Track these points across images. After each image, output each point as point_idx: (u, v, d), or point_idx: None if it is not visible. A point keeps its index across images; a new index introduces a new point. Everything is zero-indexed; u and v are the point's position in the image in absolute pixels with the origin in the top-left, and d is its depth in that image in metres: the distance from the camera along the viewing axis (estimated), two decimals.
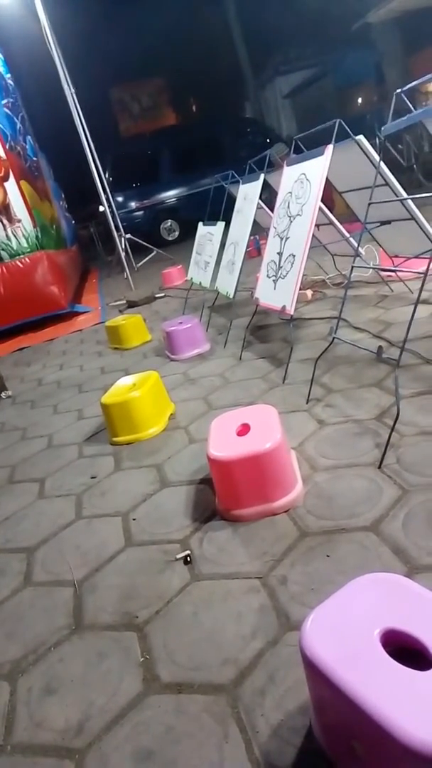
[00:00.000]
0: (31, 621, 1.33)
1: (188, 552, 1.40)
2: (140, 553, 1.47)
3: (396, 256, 2.90)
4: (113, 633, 1.22)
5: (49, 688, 1.11)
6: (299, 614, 1.11)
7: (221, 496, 1.52)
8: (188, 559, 1.38)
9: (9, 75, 6.38)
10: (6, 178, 5.44)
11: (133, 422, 2.18)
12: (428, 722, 0.63)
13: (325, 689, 0.74)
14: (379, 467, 1.52)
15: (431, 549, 1.17)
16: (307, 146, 2.56)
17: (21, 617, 1.36)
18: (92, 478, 2.00)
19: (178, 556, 1.39)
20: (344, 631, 0.78)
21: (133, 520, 1.64)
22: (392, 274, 3.20)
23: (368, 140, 2.35)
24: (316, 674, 0.75)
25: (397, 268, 2.08)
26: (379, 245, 3.06)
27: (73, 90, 6.25)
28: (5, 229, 5.53)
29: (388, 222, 2.54)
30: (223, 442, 1.49)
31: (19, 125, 6.24)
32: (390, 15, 10.95)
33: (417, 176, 7.69)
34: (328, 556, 1.25)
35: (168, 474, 1.86)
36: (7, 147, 5.48)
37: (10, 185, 5.48)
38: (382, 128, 2.04)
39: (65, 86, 6.25)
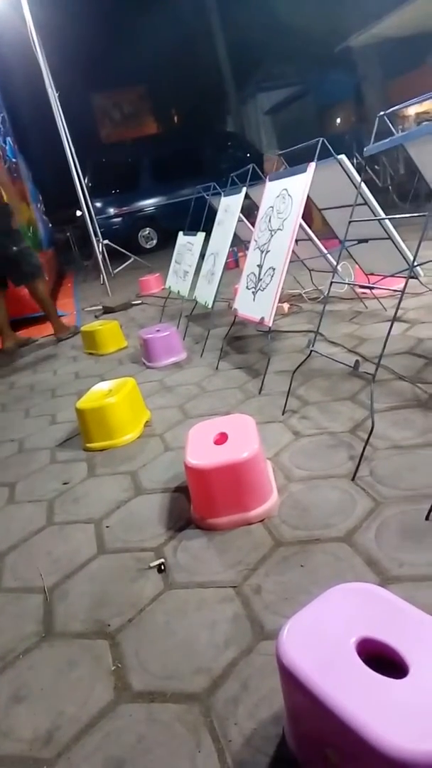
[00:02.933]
0: (0, 628, 1.30)
1: (162, 560, 1.39)
2: (113, 561, 1.46)
3: (371, 274, 2.97)
4: (84, 641, 1.20)
5: (18, 697, 1.09)
6: (273, 623, 1.11)
7: (197, 505, 1.52)
8: (162, 567, 1.37)
9: None
10: None
11: (109, 428, 2.16)
12: (403, 729, 0.65)
13: (301, 697, 0.74)
14: (353, 479, 1.54)
15: (403, 561, 1.20)
16: (286, 163, 2.61)
17: None
18: (64, 483, 1.98)
19: (152, 564, 1.39)
20: (320, 640, 0.79)
21: (107, 527, 1.63)
22: (367, 291, 3.27)
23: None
24: (292, 682, 0.76)
25: (374, 285, 2.13)
26: (356, 262, 3.13)
27: (56, 94, 6.21)
28: None
29: (366, 240, 2.60)
30: (201, 450, 1.49)
31: None
32: (370, 40, 11.25)
33: (392, 197, 7.90)
34: (302, 566, 1.26)
35: (143, 481, 1.85)
36: None
37: None
38: (365, 149, 2.10)
39: (49, 90, 6.20)
